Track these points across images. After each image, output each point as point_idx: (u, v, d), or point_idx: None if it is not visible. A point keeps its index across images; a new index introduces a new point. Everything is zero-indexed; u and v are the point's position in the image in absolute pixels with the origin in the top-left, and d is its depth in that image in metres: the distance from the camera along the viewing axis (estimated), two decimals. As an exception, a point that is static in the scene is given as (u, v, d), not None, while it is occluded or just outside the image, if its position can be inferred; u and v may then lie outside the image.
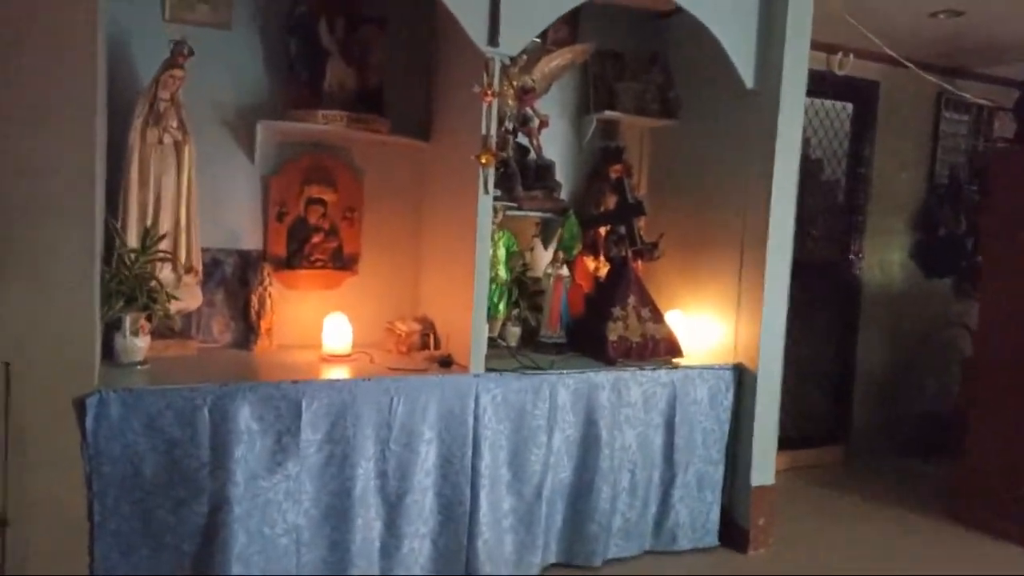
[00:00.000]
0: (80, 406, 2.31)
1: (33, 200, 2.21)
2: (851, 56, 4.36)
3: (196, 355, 2.99)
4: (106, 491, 2.37)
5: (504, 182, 3.34)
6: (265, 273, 3.15)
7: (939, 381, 4.98)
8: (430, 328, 3.27)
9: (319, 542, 2.66)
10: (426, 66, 3.44)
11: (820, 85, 4.15)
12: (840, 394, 4.77)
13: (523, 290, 3.48)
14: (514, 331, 3.43)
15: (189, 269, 2.90)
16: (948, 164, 5.00)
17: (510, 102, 3.31)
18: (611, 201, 3.65)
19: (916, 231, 4.98)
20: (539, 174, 3.56)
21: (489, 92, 2.78)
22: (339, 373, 2.87)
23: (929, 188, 4.98)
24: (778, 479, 3.46)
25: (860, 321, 4.79)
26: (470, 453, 2.87)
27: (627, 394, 3.15)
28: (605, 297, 3.39)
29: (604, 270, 3.57)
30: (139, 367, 2.68)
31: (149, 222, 2.78)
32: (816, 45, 3.39)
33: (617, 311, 3.30)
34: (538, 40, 3.28)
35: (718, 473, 3.37)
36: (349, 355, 3.06)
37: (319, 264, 3.31)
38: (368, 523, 2.72)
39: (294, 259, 3.27)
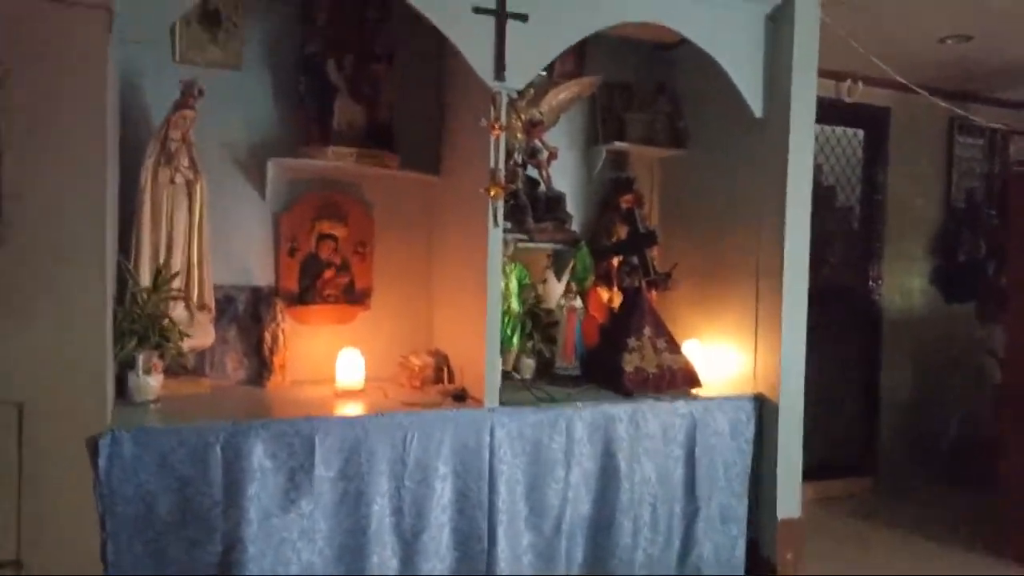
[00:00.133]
0: (93, 446, 2.30)
1: (44, 241, 2.22)
2: (860, 83, 4.36)
3: (209, 392, 2.97)
4: (119, 531, 2.34)
5: (515, 214, 3.34)
6: (277, 309, 3.14)
7: (966, 407, 4.87)
8: (444, 361, 3.24)
9: (334, 581, 2.61)
10: (435, 101, 3.48)
11: (830, 112, 4.14)
12: (866, 422, 4.68)
13: (537, 322, 3.46)
14: (528, 363, 3.40)
15: (202, 306, 2.91)
16: (964, 188, 4.97)
17: (518, 135, 3.34)
18: (623, 231, 3.64)
19: (935, 256, 4.93)
20: (549, 206, 3.55)
21: (496, 126, 2.79)
22: (352, 409, 2.84)
23: (946, 212, 4.94)
24: (806, 510, 3.37)
25: (883, 347, 4.72)
26: (486, 488, 2.81)
27: (645, 426, 3.09)
28: (620, 328, 3.35)
29: (618, 301, 3.54)
30: (152, 405, 2.67)
31: (161, 260, 2.79)
32: (825, 72, 3.40)
33: (632, 342, 3.26)
34: (545, 73, 3.31)
35: (742, 506, 3.28)
36: (363, 390, 3.04)
37: (331, 299, 3.31)
38: (384, 561, 2.66)
39: (306, 294, 3.27)
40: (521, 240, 3.41)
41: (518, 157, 3.38)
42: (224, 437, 2.44)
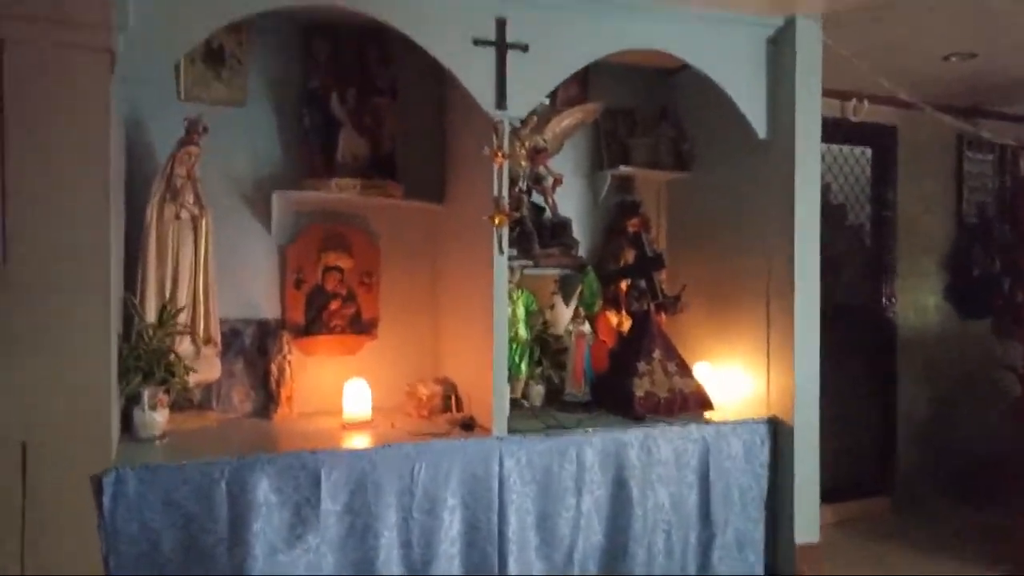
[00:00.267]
0: (97, 484, 2.29)
1: (48, 280, 2.23)
2: (866, 102, 4.34)
3: (216, 426, 2.96)
4: (123, 571, 2.32)
5: (520, 241, 3.33)
6: (284, 341, 3.14)
7: (985, 425, 4.77)
8: (452, 390, 3.22)
9: (342, 617, 2.57)
10: (438, 130, 3.49)
11: (836, 131, 4.11)
12: (883, 442, 4.60)
13: (545, 348, 3.43)
14: (537, 390, 3.37)
15: (208, 341, 2.91)
16: (976, 203, 4.91)
17: (522, 163, 3.33)
18: (630, 255, 3.63)
19: (948, 272, 4.86)
20: (555, 232, 3.54)
21: (499, 154, 2.79)
22: (359, 440, 2.82)
23: (958, 228, 4.88)
24: (824, 534, 3.30)
25: (898, 365, 4.65)
26: (496, 518, 2.78)
27: (657, 451, 3.05)
28: (630, 352, 3.32)
29: (627, 325, 3.51)
30: (158, 441, 2.66)
31: (167, 296, 2.80)
32: (830, 92, 3.39)
33: (643, 366, 3.23)
34: (548, 101, 3.31)
35: (758, 531, 3.22)
36: (370, 420, 3.02)
37: (338, 330, 3.31)
38: (392, 594, 2.63)
39: (313, 326, 3.27)
40: (527, 266, 3.39)
41: (523, 184, 3.38)
42: (229, 472, 2.43)
